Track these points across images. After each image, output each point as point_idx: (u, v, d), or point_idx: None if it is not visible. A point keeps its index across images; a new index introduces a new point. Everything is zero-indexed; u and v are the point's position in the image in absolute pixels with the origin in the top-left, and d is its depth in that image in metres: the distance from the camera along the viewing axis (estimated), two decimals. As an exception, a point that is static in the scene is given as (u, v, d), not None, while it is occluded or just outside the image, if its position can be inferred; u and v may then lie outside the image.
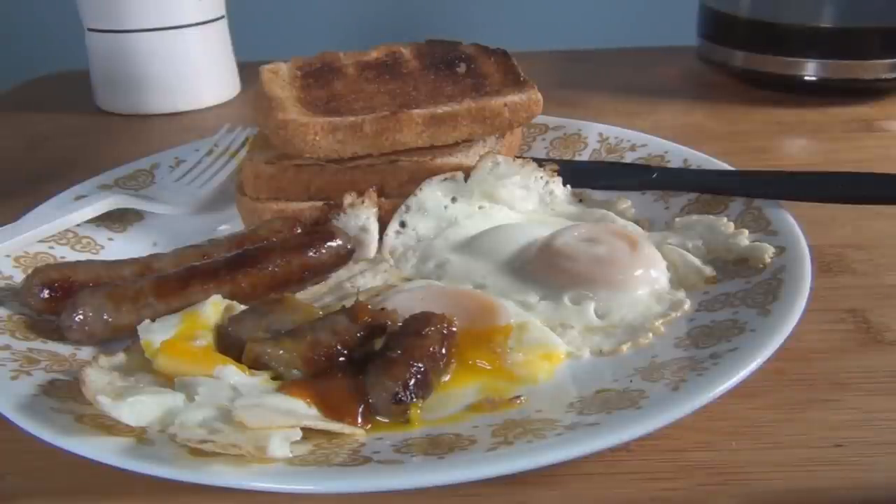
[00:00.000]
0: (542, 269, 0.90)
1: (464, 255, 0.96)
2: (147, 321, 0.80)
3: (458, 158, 1.05)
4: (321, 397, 0.71)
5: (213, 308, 0.81)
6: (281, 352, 0.74)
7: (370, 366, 0.74)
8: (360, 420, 0.70)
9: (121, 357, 0.78)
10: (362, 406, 0.71)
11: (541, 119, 1.20)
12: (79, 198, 1.09)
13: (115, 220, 1.08)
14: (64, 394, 0.73)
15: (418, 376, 0.72)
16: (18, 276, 0.93)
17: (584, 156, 1.21)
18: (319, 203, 1.02)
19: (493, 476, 0.62)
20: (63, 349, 0.82)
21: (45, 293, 0.86)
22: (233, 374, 0.73)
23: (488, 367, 0.78)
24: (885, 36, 1.48)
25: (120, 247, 1.04)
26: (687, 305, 0.85)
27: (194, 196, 1.13)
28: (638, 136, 1.21)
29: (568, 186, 1.09)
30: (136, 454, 0.64)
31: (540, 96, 1.08)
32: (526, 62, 1.16)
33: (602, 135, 1.23)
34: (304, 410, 0.69)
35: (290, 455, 0.65)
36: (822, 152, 1.36)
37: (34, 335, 0.83)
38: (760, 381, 0.72)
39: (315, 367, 0.74)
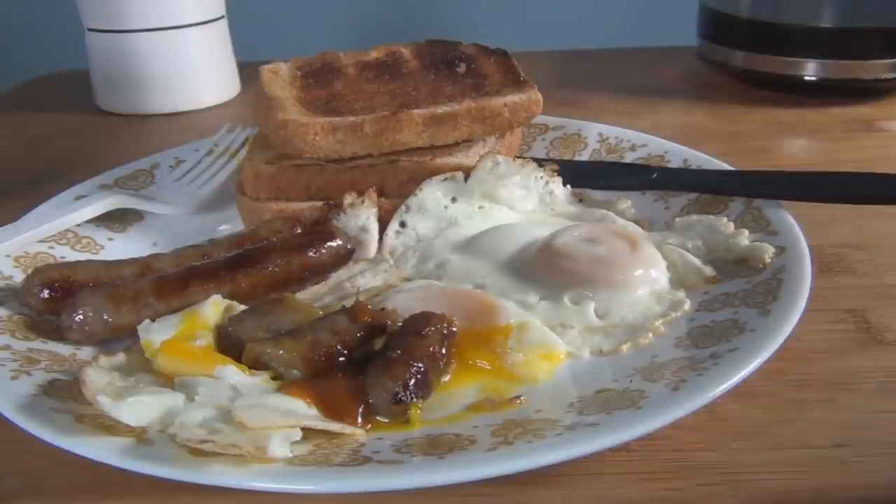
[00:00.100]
0: (542, 269, 0.90)
1: (464, 255, 0.96)
2: (147, 321, 0.80)
3: (458, 158, 1.05)
4: (321, 397, 0.71)
5: (213, 308, 0.81)
6: (281, 352, 0.74)
7: (370, 366, 0.74)
8: (360, 420, 0.70)
9: (121, 357, 0.78)
10: (362, 406, 0.71)
11: (541, 119, 1.20)
12: (79, 198, 1.09)
13: (115, 220, 1.08)
14: (64, 394, 0.73)
15: (418, 376, 0.72)
16: (18, 276, 0.93)
17: (584, 156, 1.21)
18: (319, 203, 1.02)
19: (493, 476, 0.62)
20: (63, 349, 0.82)
21: (45, 293, 0.86)
22: (233, 374, 0.73)
23: (488, 367, 0.78)
24: (885, 36, 1.48)
25: (120, 247, 1.04)
26: (687, 305, 0.85)
27: (194, 196, 1.13)
28: (638, 136, 1.21)
29: (568, 186, 1.09)
30: (136, 454, 0.64)
31: (540, 96, 1.08)
32: (526, 62, 1.16)
33: (602, 135, 1.23)
34: (304, 410, 0.69)
35: (290, 455, 0.65)
36: (822, 152, 1.36)
37: (34, 335, 0.83)
38: (760, 381, 0.72)
39: (315, 367, 0.74)
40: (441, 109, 1.03)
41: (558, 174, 1.08)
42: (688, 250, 0.93)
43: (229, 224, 1.09)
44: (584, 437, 0.64)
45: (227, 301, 0.83)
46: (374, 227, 0.99)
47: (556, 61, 1.91)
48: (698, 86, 1.73)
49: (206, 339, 0.78)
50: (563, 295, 0.87)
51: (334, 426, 0.69)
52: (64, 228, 1.02)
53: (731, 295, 0.84)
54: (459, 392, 0.75)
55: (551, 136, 1.26)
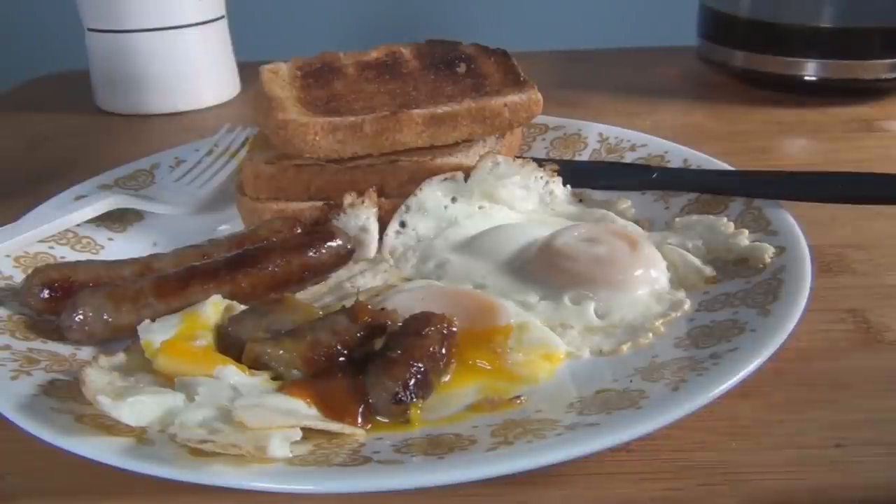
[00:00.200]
0: (542, 269, 0.90)
1: (464, 255, 0.96)
2: (147, 321, 0.80)
3: (458, 158, 1.05)
4: (321, 397, 0.71)
5: (213, 308, 0.81)
6: (281, 352, 0.74)
7: (370, 366, 0.74)
8: (360, 420, 0.70)
9: (121, 357, 0.78)
10: (362, 406, 0.71)
11: (541, 119, 1.20)
12: (79, 198, 1.09)
13: (115, 220, 1.08)
14: (64, 394, 0.73)
15: (418, 376, 0.72)
16: (18, 276, 0.93)
17: (584, 156, 1.21)
18: (319, 203, 1.02)
19: (493, 476, 0.62)
20: (63, 349, 0.82)
21: (45, 293, 0.86)
22: (233, 374, 0.73)
23: (488, 367, 0.78)
24: (885, 36, 1.48)
25: (120, 247, 1.04)
26: (687, 305, 0.85)
27: (194, 196, 1.13)
28: (638, 136, 1.21)
29: (568, 186, 1.09)
30: (136, 454, 0.64)
31: (540, 96, 1.08)
32: (526, 62, 1.16)
33: (602, 135, 1.23)
34: (304, 410, 0.69)
35: (290, 455, 0.65)
36: (822, 152, 1.36)
37: (34, 335, 0.83)
38: (760, 381, 0.72)
39: (315, 367, 0.74)
40: (441, 109, 1.03)
41: (558, 174, 1.08)
42: (688, 250, 0.93)
43: (229, 224, 1.09)
44: (584, 437, 0.64)
45: (227, 301, 0.83)
46: (374, 227, 0.99)
47: (556, 61, 1.91)
48: (698, 86, 1.73)
49: (206, 339, 0.78)
50: (563, 295, 0.87)
51: (334, 426, 0.69)
52: (64, 228, 1.02)
53: (731, 295, 0.84)
54: (459, 392, 0.75)
55: (551, 136, 1.26)
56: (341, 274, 0.94)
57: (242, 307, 0.83)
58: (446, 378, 0.76)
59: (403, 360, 0.73)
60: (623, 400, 0.69)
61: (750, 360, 0.70)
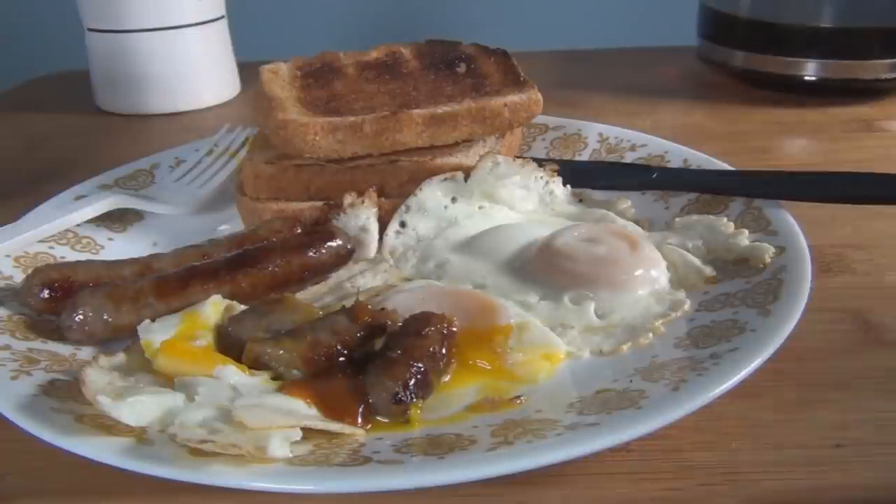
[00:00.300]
0: (542, 269, 0.90)
1: (464, 255, 0.96)
2: (147, 321, 0.80)
3: (458, 158, 1.05)
4: (321, 397, 0.71)
5: (213, 308, 0.81)
6: (281, 352, 0.74)
7: (370, 366, 0.74)
8: (360, 420, 0.70)
9: (121, 357, 0.78)
10: (362, 406, 0.71)
11: (541, 119, 1.20)
12: (79, 198, 1.09)
13: (115, 220, 1.08)
14: (64, 394, 0.73)
15: (418, 376, 0.72)
16: (18, 276, 0.93)
17: (584, 156, 1.21)
18: (319, 203, 1.02)
19: (493, 476, 0.62)
20: (63, 349, 0.82)
21: (45, 293, 0.86)
22: (233, 374, 0.73)
23: (488, 367, 0.78)
24: (885, 36, 1.48)
25: (120, 247, 1.04)
26: (687, 305, 0.85)
27: (194, 196, 1.13)
28: (638, 136, 1.21)
29: (568, 186, 1.09)
30: (136, 454, 0.64)
31: (540, 96, 1.08)
32: (526, 62, 1.16)
33: (602, 135, 1.23)
34: (304, 410, 0.69)
35: (290, 455, 0.65)
36: (822, 152, 1.36)
37: (34, 335, 0.83)
38: (760, 381, 0.72)
39: (315, 367, 0.74)
40: (441, 109, 1.03)
41: (558, 174, 1.08)
42: (688, 250, 0.93)
43: (229, 224, 1.09)
44: (584, 437, 0.64)
45: (227, 301, 0.83)
46: (374, 227, 0.99)
47: (556, 61, 1.91)
48: (698, 86, 1.73)
49: (206, 339, 0.78)
50: (563, 295, 0.87)
51: (334, 426, 0.69)
52: (64, 228, 1.02)
53: (731, 295, 0.84)
54: (459, 392, 0.75)
55: (551, 136, 1.26)
56: (341, 274, 0.94)
57: (242, 307, 0.83)
58: (446, 378, 0.76)
59: (403, 360, 0.73)
60: (623, 400, 0.69)
61: (750, 360, 0.70)
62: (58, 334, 0.83)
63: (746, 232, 0.94)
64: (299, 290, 0.90)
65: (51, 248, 1.00)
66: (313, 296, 0.90)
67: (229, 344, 0.78)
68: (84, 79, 1.72)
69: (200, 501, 0.65)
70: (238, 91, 1.75)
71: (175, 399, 0.70)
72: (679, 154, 1.14)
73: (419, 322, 0.77)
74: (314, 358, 0.74)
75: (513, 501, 0.65)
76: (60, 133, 1.59)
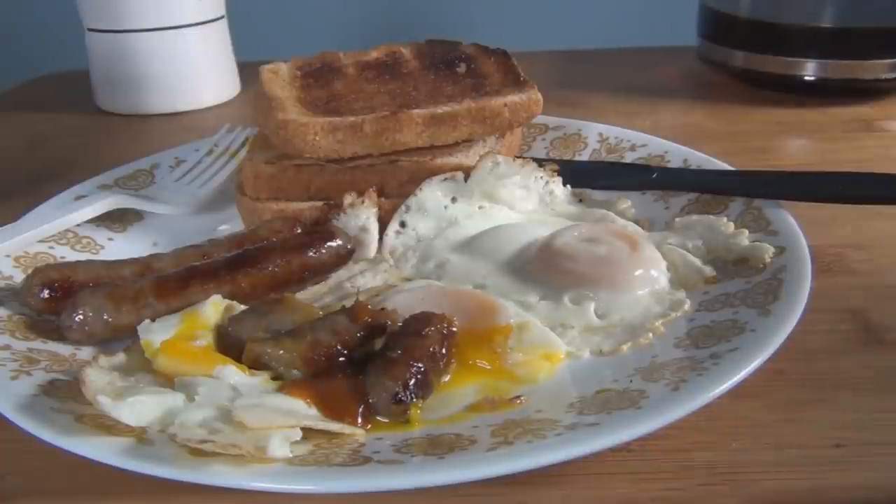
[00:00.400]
0: (542, 269, 0.90)
1: (464, 255, 0.96)
2: (147, 321, 0.80)
3: (458, 158, 1.05)
4: (321, 397, 0.71)
5: (213, 308, 0.81)
6: (281, 352, 0.74)
7: (370, 366, 0.74)
8: (360, 420, 0.70)
9: (121, 357, 0.78)
10: (362, 406, 0.71)
11: (541, 119, 1.20)
12: (79, 198, 1.09)
13: (115, 220, 1.08)
14: (64, 394, 0.73)
15: (418, 376, 0.72)
16: (18, 276, 0.93)
17: (584, 156, 1.21)
18: (319, 203, 1.02)
19: (493, 476, 0.62)
20: (63, 349, 0.82)
21: (45, 293, 0.86)
22: (233, 374, 0.73)
23: (488, 367, 0.78)
24: (885, 36, 1.48)
25: (120, 247, 1.04)
26: (687, 305, 0.85)
27: (194, 196, 1.13)
28: (638, 136, 1.21)
29: (568, 186, 1.09)
30: (136, 454, 0.64)
31: (540, 96, 1.08)
32: (526, 62, 1.16)
33: (602, 135, 1.23)
34: (304, 410, 0.69)
35: (290, 455, 0.65)
36: (822, 152, 1.36)
37: (34, 335, 0.83)
38: (760, 381, 0.72)
39: (315, 367, 0.74)
40: (441, 109, 1.03)
41: (558, 174, 1.08)
42: (688, 250, 0.93)
43: (229, 224, 1.09)
44: (584, 437, 0.64)
45: (227, 301, 0.83)
46: (374, 227, 0.99)
47: (556, 61, 1.91)
48: (698, 86, 1.73)
49: (206, 339, 0.78)
50: (563, 295, 0.87)
51: (334, 426, 0.69)
52: (64, 228, 1.02)
53: (731, 295, 0.84)
54: (459, 392, 0.75)
55: (551, 136, 1.26)
56: (341, 274, 0.94)
57: (242, 307, 0.83)
58: (446, 378, 0.76)
59: (403, 360, 0.73)
60: (623, 400, 0.69)
61: (750, 360, 0.70)
62: (58, 334, 0.83)
63: (746, 232, 0.94)
64: (299, 290, 0.90)
65: (51, 248, 1.00)
66: (313, 296, 0.90)
67: (229, 344, 0.78)
68: (84, 79, 1.72)
69: (200, 501, 0.65)
70: (238, 91, 1.75)
71: (175, 399, 0.70)
72: (679, 154, 1.14)
73: (419, 322, 0.77)
74: (314, 358, 0.74)
75: (513, 501, 0.65)
76: (60, 133, 1.59)
